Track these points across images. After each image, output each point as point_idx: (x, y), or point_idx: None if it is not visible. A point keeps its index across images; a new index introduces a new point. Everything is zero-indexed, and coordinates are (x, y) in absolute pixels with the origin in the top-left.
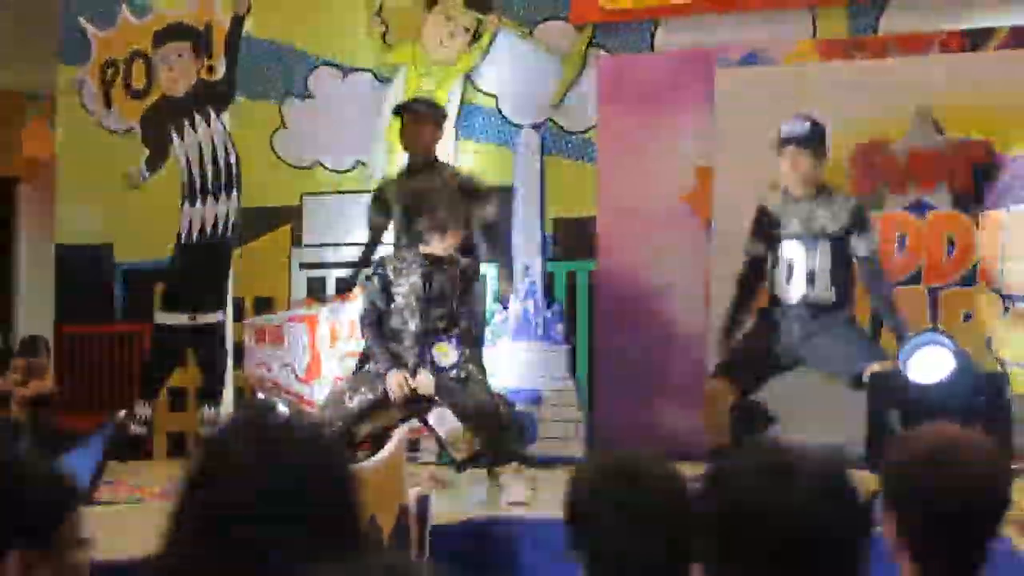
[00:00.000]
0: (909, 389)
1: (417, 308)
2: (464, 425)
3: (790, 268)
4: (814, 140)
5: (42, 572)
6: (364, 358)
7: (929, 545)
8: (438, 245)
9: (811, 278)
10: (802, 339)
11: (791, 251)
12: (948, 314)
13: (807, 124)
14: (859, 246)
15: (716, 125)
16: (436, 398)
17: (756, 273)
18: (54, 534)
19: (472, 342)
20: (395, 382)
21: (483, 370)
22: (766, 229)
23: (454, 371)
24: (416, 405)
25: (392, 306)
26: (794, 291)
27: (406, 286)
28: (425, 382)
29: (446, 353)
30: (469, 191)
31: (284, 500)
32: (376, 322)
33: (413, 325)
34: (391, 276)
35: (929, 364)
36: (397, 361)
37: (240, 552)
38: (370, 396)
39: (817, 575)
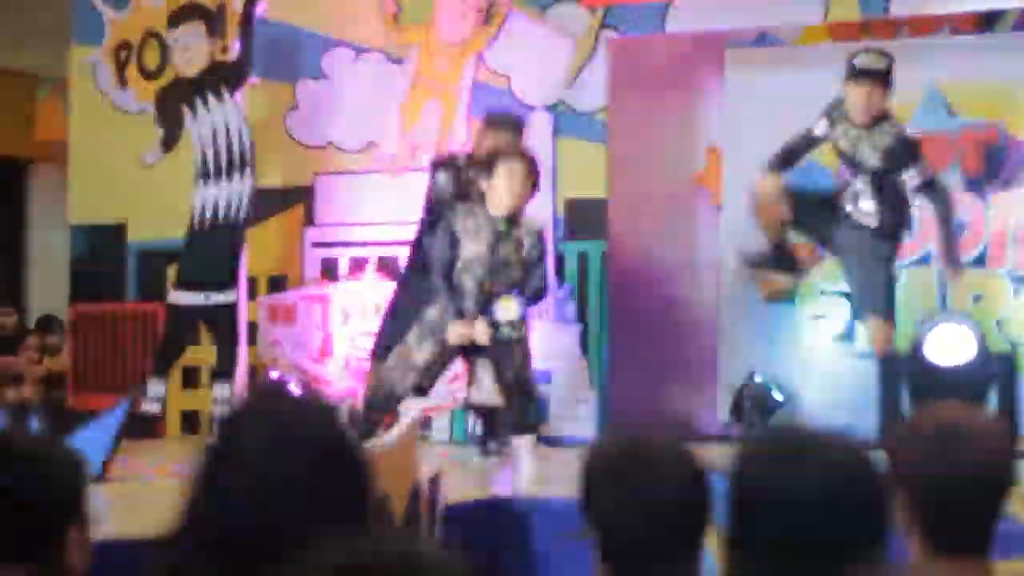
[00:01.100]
0: (921, 369)
1: (485, 263)
2: (499, 387)
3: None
4: (889, 74)
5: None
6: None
7: (937, 523)
8: (508, 205)
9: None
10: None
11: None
12: (958, 296)
13: (885, 60)
14: (909, 179)
15: (727, 106)
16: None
17: (807, 145)
18: (55, 549)
19: (535, 302)
20: (456, 332)
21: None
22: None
23: (509, 328)
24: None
25: (459, 260)
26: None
27: (475, 242)
28: (482, 331)
29: (509, 308)
30: None
31: (295, 482)
32: (447, 272)
33: (476, 279)
34: (459, 230)
35: (950, 346)
36: (459, 312)
37: (252, 533)
38: (434, 348)
39: (839, 558)
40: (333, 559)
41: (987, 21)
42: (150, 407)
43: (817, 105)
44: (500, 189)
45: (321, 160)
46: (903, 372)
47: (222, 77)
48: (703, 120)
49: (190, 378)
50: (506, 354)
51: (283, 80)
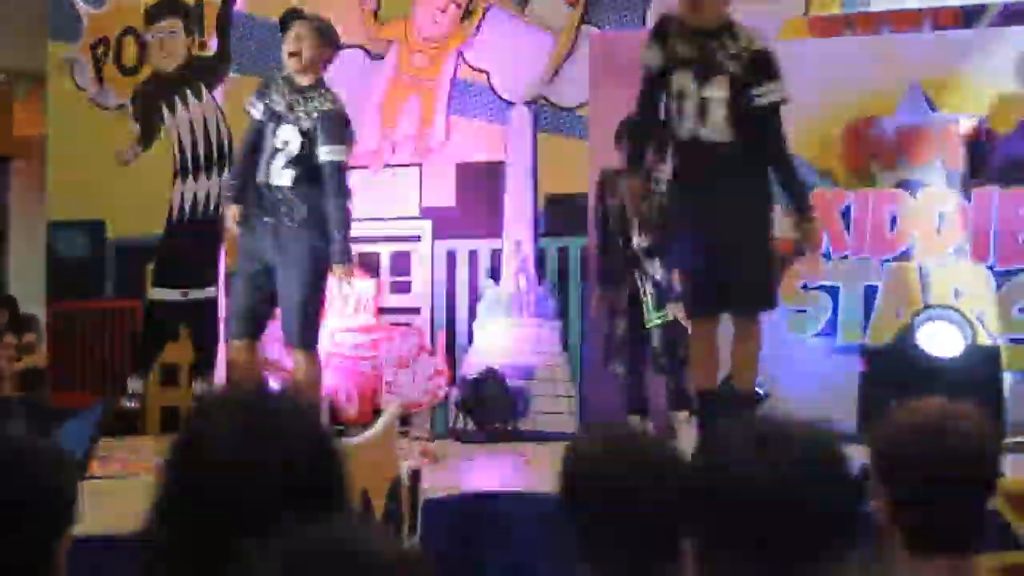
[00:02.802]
0: (903, 363)
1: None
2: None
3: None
4: None
5: None
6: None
7: (919, 518)
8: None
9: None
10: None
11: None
12: (940, 290)
13: None
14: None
15: None
16: None
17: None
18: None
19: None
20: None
21: None
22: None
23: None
24: None
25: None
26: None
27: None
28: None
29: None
30: None
31: (266, 475)
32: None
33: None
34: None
35: (938, 341)
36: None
37: (222, 527)
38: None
39: (806, 549)
40: (284, 546)
41: (969, 16)
42: (129, 404)
43: (797, 99)
44: None
45: None
46: (887, 367)
47: (200, 73)
48: None
49: (169, 375)
50: (683, 332)
51: (262, 75)
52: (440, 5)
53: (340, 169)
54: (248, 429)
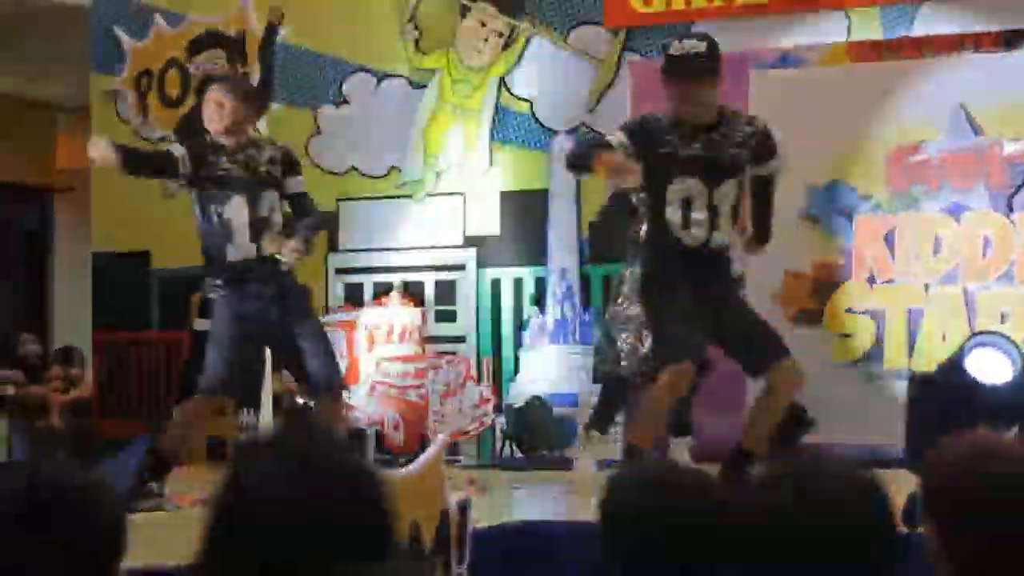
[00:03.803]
0: (952, 389)
1: None
2: None
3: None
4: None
5: None
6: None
7: (970, 552)
8: None
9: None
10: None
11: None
12: (986, 314)
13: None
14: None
15: None
16: None
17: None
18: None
19: None
20: None
21: None
22: None
23: None
24: None
25: None
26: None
27: None
28: None
29: None
30: None
31: (313, 517)
32: None
33: None
34: None
35: (987, 367)
36: None
37: (268, 568)
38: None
39: None
40: None
41: (1010, 39)
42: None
43: (840, 124)
44: None
45: (344, 185)
46: (935, 394)
47: None
48: None
49: None
50: None
51: (304, 106)
52: (482, 35)
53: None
54: (291, 474)
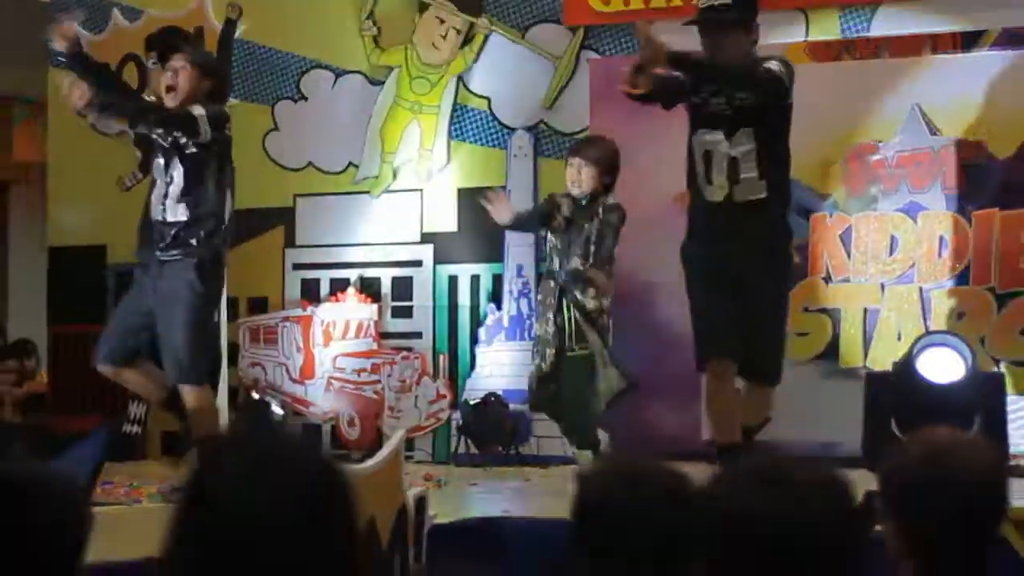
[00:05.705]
0: (907, 388)
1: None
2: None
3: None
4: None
5: None
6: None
7: (930, 548)
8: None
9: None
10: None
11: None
12: (941, 314)
13: None
14: None
15: None
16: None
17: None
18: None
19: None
20: None
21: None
22: None
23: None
24: None
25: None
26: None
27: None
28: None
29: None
30: None
31: (277, 514)
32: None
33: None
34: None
35: (942, 364)
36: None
37: (234, 566)
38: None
39: None
40: None
41: (968, 40)
42: (130, 428)
43: (798, 123)
44: None
45: (301, 182)
46: (890, 392)
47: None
48: (684, 140)
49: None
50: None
51: (262, 102)
52: (441, 32)
53: None
54: (254, 470)
